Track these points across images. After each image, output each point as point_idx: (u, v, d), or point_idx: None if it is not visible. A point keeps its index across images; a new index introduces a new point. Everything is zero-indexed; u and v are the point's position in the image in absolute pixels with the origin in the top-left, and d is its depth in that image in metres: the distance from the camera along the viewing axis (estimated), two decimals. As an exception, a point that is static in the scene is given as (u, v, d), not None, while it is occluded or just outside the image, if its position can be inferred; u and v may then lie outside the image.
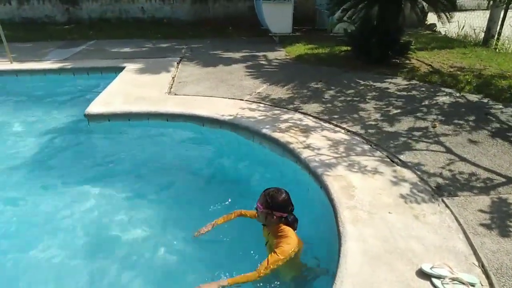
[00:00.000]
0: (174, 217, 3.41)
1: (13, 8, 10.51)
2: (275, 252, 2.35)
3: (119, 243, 3.11)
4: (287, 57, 7.58)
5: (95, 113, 4.61)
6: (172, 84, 5.81)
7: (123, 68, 6.63)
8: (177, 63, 7.02)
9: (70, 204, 3.60)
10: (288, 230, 2.45)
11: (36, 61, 7.13)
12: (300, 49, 8.06)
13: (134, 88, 5.53)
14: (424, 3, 7.50)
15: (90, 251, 3.02)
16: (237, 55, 7.77)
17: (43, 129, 5.20)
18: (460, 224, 2.56)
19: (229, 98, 5.10)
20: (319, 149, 3.57)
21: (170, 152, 4.51)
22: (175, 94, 5.35)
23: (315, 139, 3.79)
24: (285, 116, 4.43)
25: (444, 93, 5.19)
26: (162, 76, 6.21)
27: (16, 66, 6.84)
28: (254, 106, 4.79)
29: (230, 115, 4.41)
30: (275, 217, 2.45)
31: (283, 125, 4.13)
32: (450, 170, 3.21)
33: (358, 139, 3.85)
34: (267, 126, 4.08)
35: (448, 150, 3.57)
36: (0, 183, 3.93)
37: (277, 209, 2.43)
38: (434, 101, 4.91)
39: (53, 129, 5.20)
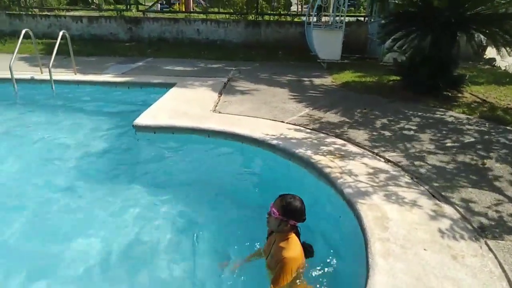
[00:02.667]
0: (205, 230, 3.44)
1: (84, 25, 11.46)
2: (284, 258, 2.27)
3: (153, 250, 3.19)
4: (333, 83, 7.55)
5: (143, 125, 4.85)
6: (217, 103, 5.99)
7: (173, 84, 6.95)
8: (225, 83, 7.24)
9: (111, 208, 3.76)
10: (296, 240, 2.39)
11: (97, 74, 7.68)
12: (347, 76, 8.01)
13: (181, 104, 5.76)
14: (482, 36, 7.19)
15: (125, 258, 3.11)
16: (283, 78, 7.88)
17: (95, 135, 5.54)
18: (504, 271, 2.35)
19: (270, 120, 5.15)
20: (356, 176, 3.48)
21: (208, 167, 4.59)
22: (219, 112, 5.50)
23: (354, 166, 3.70)
24: (325, 141, 4.38)
25: (498, 130, 4.89)
26: (209, 95, 6.43)
27: (79, 77, 7.41)
28: (294, 128, 4.79)
29: (269, 136, 4.44)
30: (289, 225, 2.37)
31: (322, 150, 4.08)
32: (497, 211, 2.98)
33: (400, 170, 3.70)
34: (305, 149, 4.05)
35: (497, 190, 3.33)
36: (47, 184, 4.19)
37: (292, 217, 2.36)
38: (486, 138, 4.63)
39: (103, 136, 5.52)
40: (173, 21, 11.53)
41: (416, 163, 3.86)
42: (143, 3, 13.88)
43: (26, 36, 7.23)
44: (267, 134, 4.49)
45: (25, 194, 4.00)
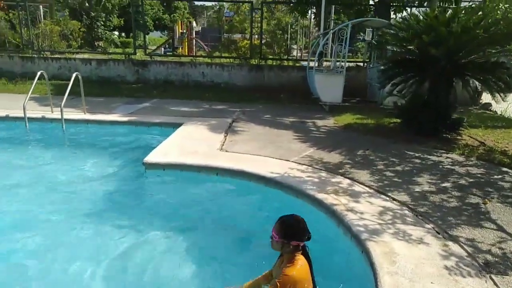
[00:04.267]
0: (212, 266, 3.47)
1: (92, 67, 11.94)
2: (283, 275, 2.27)
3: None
4: (336, 125, 7.80)
5: (153, 162, 4.99)
6: (224, 142, 6.17)
7: (180, 124, 7.16)
8: (230, 124, 7.47)
9: (119, 244, 3.81)
10: (302, 261, 2.37)
11: (105, 114, 7.93)
12: (349, 118, 8.28)
13: (189, 143, 5.94)
14: (477, 82, 7.54)
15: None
16: (286, 120, 8.14)
17: (104, 173, 5.66)
18: (511, 306, 2.41)
19: (276, 158, 5.31)
20: (362, 213, 3.58)
21: (216, 204, 4.68)
22: (226, 151, 5.66)
23: (360, 205, 3.81)
24: (331, 180, 4.51)
25: (497, 171, 5.04)
26: (215, 134, 6.63)
27: (88, 116, 7.65)
28: (300, 167, 4.94)
29: (276, 174, 4.58)
30: (291, 246, 2.38)
31: (328, 188, 4.20)
32: (500, 248, 3.06)
33: (405, 208, 3.80)
34: (312, 187, 4.18)
35: (500, 228, 3.42)
36: (56, 222, 4.25)
37: (293, 238, 2.37)
38: (485, 178, 4.77)
39: (112, 173, 5.65)
40: (179, 65, 12.02)
41: (420, 202, 3.97)
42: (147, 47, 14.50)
43: (32, 77, 7.51)
44: (274, 172, 4.62)
45: (32, 227, 4.05)
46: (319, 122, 8.01)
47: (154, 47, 17.18)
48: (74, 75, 7.59)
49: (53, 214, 4.40)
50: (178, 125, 7.15)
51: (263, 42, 12.36)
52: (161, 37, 42.42)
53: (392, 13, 12.05)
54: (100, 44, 22.11)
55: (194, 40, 26.73)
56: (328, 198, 3.89)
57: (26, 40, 12.43)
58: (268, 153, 5.59)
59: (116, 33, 38.66)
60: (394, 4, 12.09)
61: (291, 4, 11.61)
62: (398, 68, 7.19)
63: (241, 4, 14.78)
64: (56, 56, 12.27)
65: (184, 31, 28.22)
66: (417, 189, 4.35)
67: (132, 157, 6.06)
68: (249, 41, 12.77)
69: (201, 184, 4.92)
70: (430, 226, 3.42)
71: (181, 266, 3.54)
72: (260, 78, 11.66)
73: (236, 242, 3.93)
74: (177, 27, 30.08)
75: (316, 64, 9.46)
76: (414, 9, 10.91)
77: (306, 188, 4.16)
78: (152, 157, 5.11)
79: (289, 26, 13.66)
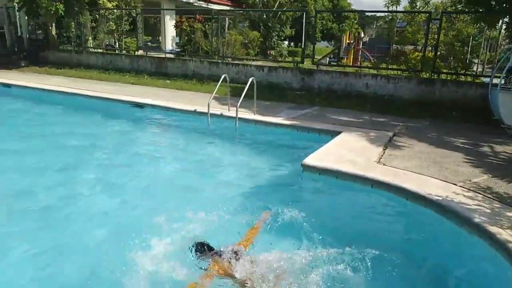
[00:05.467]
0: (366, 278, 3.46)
1: (264, 73, 13.12)
2: None
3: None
4: (520, 152, 6.65)
5: (310, 165, 5.25)
6: (382, 155, 6.00)
7: (339, 132, 7.26)
8: (390, 137, 7.19)
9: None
10: None
11: (271, 116, 8.66)
12: (539, 146, 6.94)
13: (345, 152, 5.99)
14: None
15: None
16: (456, 140, 7.34)
17: (265, 168, 6.25)
18: None
19: (439, 180, 4.89)
20: (546, 259, 3.02)
21: (367, 217, 4.64)
22: (384, 165, 5.51)
23: (543, 248, 3.21)
24: (507, 214, 3.92)
25: None
26: (373, 146, 6.50)
27: (257, 117, 8.49)
28: (467, 193, 4.44)
29: (438, 196, 4.23)
30: None
31: (503, 222, 3.67)
32: None
33: None
34: (482, 218, 3.72)
35: None
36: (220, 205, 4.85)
37: None
38: None
39: (271, 170, 6.18)
40: (343, 74, 12.14)
41: None
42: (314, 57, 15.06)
43: (216, 79, 8.74)
44: (435, 194, 4.29)
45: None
46: (498, 148, 6.95)
47: (319, 57, 17.75)
48: (250, 80, 8.53)
49: (222, 197, 5.12)
50: (337, 133, 7.27)
51: (437, 54, 11.38)
52: (327, 47, 43.43)
53: None
54: (271, 53, 24.09)
55: (360, 50, 26.47)
56: (503, 234, 3.40)
57: (214, 48, 14.52)
58: (430, 173, 5.19)
59: (286, 42, 41.42)
60: None
61: (477, 14, 10.35)
62: None
63: (416, 14, 13.93)
64: (235, 62, 13.97)
65: (351, 41, 28.22)
66: None
67: (290, 158, 6.51)
68: (420, 53, 11.95)
69: (354, 193, 4.94)
70: None
71: (329, 267, 3.59)
72: (430, 93, 10.78)
73: (386, 263, 3.76)
74: (344, 37, 30.31)
75: (503, 82, 8.19)
76: None
77: (475, 217, 3.72)
78: (310, 160, 5.38)
79: (471, 38, 12.17)
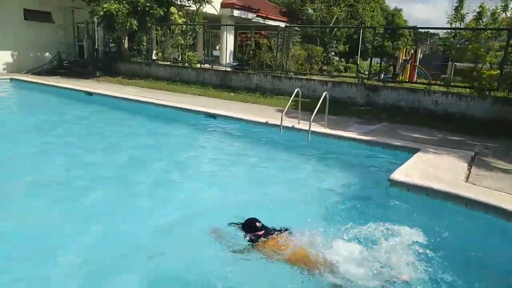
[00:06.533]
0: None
1: (328, 88, 13.18)
2: None
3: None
4: None
5: (399, 180, 5.26)
6: (468, 174, 5.87)
7: (417, 150, 7.14)
8: (473, 157, 6.99)
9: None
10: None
11: (342, 130, 8.73)
12: None
13: (430, 169, 5.91)
14: None
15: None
16: (546, 162, 6.99)
17: (344, 183, 6.28)
18: None
19: (540, 203, 4.71)
20: None
21: (464, 239, 4.49)
22: (473, 184, 5.39)
23: None
24: None
25: None
26: (457, 165, 6.35)
27: (328, 131, 8.59)
28: None
29: (545, 219, 4.09)
30: None
31: None
32: None
33: None
34: None
35: None
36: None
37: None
38: None
39: (349, 186, 6.17)
40: (410, 91, 11.95)
41: None
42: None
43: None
44: (541, 217, 4.15)
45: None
46: None
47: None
48: (324, 94, 8.71)
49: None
50: (414, 150, 7.17)
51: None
52: (381, 63, 42.63)
53: None
54: (326, 68, 24.22)
55: (416, 67, 25.82)
56: None
57: (278, 62, 14.89)
58: (527, 195, 5.01)
59: (336, 58, 41.29)
60: None
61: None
62: None
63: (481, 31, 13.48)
64: (298, 76, 14.23)
65: (408, 58, 27.59)
66: None
67: (367, 174, 6.56)
68: (491, 71, 11.52)
69: (447, 213, 4.85)
70: None
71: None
72: (508, 113, 10.31)
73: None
74: (400, 54, 29.70)
75: None
76: None
77: None
78: (398, 176, 5.38)
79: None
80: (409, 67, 25.67)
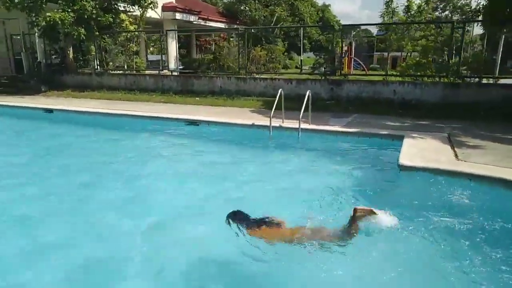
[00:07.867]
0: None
1: (293, 86, 13.78)
2: None
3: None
4: None
5: (408, 165, 5.87)
6: (455, 154, 6.67)
7: (401, 136, 7.83)
8: (448, 137, 7.87)
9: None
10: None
11: (325, 125, 9.27)
12: None
13: (425, 153, 6.59)
14: None
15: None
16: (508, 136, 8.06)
17: (350, 172, 6.73)
18: None
19: (528, 171, 5.57)
20: None
21: (479, 211, 4.93)
22: (465, 161, 6.17)
23: None
24: None
25: None
26: (441, 146, 7.13)
27: (314, 126, 9.06)
28: (560, 180, 5.12)
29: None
30: None
31: None
32: None
33: None
34: None
35: None
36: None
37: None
38: None
39: (358, 173, 6.66)
40: (370, 83, 12.93)
41: None
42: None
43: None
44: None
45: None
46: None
47: (306, 67, 18.39)
48: (307, 93, 9.10)
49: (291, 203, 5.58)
50: (399, 137, 7.85)
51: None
52: (308, 57, 44.73)
53: None
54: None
55: (352, 59, 27.63)
56: None
57: (241, 64, 15.12)
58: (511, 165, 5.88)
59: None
60: None
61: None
62: None
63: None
64: (262, 76, 14.61)
65: (345, 50, 29.31)
66: None
67: (370, 161, 7.13)
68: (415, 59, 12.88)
69: (457, 188, 5.45)
70: None
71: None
72: (455, 95, 11.62)
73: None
74: (338, 48, 31.38)
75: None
76: None
77: None
78: (406, 161, 5.99)
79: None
80: (346, 60, 27.40)
